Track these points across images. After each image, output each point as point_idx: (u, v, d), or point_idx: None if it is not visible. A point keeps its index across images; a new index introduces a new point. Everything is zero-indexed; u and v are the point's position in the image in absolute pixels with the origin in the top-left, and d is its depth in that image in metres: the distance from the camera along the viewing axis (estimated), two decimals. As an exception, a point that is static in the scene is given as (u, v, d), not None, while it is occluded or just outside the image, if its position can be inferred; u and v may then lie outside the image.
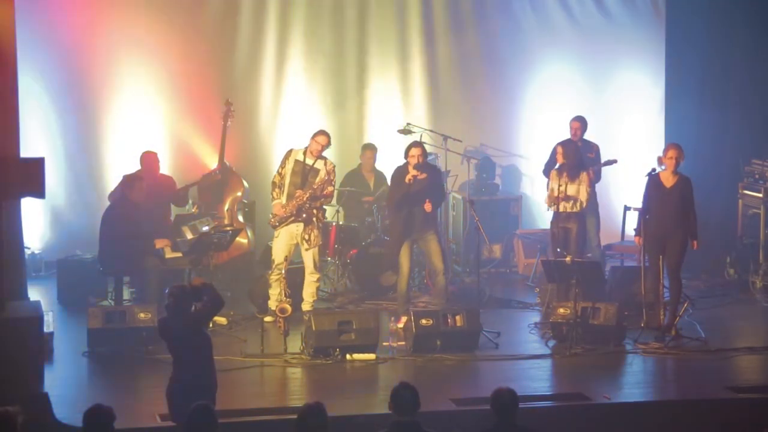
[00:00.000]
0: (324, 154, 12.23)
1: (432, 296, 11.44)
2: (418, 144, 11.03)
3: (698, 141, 13.32)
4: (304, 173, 10.99)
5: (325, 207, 11.40)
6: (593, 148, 12.36)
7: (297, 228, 10.99)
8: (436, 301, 11.03)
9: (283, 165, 11.09)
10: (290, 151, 11.16)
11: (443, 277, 10.96)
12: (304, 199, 10.88)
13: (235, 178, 12.59)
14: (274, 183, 11.16)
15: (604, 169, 12.54)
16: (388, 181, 12.93)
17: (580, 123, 12.39)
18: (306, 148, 11.05)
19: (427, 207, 10.66)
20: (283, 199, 11.01)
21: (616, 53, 14.22)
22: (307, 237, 11.01)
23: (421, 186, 10.72)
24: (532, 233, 13.39)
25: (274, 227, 11.08)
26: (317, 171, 11.00)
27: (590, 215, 11.80)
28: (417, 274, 12.27)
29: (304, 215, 10.94)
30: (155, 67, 13.28)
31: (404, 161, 10.90)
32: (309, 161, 11.00)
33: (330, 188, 11.06)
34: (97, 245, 11.18)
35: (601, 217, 12.32)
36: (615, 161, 12.27)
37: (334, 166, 11.23)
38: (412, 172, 10.66)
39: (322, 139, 10.98)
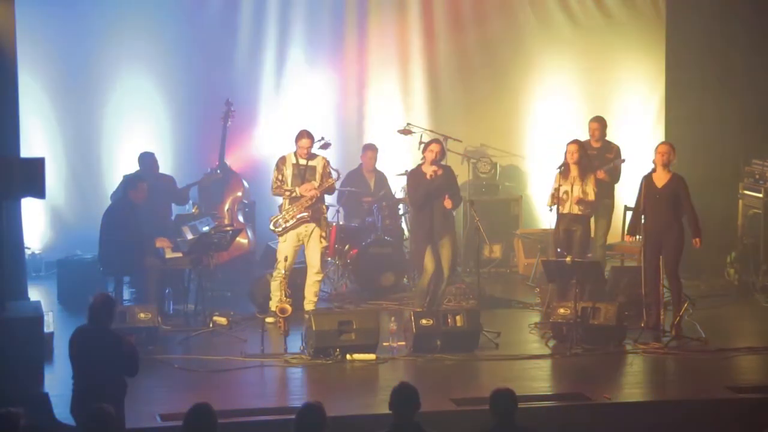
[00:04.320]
0: (325, 154, 12.24)
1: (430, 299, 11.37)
2: (437, 141, 11.07)
3: (698, 141, 13.33)
4: (302, 174, 11.07)
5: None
6: (613, 149, 12.19)
7: (306, 228, 11.02)
8: (433, 304, 10.95)
9: (280, 171, 11.12)
10: (283, 157, 11.22)
11: (445, 283, 10.95)
12: (318, 192, 11.00)
13: (235, 178, 12.60)
14: (276, 187, 11.14)
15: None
16: (389, 182, 12.98)
17: (598, 123, 12.24)
18: (295, 152, 11.11)
19: (447, 204, 10.69)
20: (287, 204, 11.07)
21: (616, 53, 14.24)
22: (324, 234, 11.15)
23: (439, 183, 10.75)
24: (533, 233, 13.39)
25: (280, 233, 11.06)
26: (314, 168, 11.12)
27: (602, 216, 11.75)
28: (417, 275, 12.24)
29: (310, 212, 10.98)
30: (155, 67, 13.30)
31: (416, 164, 10.96)
32: (303, 162, 11.09)
33: (331, 179, 11.17)
34: (97, 245, 11.17)
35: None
36: (623, 160, 12.21)
37: (327, 159, 11.34)
38: (433, 167, 10.71)
39: (305, 142, 11.07)
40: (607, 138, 12.23)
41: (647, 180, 10.62)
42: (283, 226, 11.02)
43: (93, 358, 7.51)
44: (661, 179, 10.59)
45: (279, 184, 11.13)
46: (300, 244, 11.10)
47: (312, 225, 11.05)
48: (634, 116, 14.19)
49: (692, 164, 12.35)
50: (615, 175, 12.05)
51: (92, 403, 6.84)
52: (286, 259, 10.91)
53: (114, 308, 7.79)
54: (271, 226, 11.15)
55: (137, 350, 7.72)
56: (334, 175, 11.22)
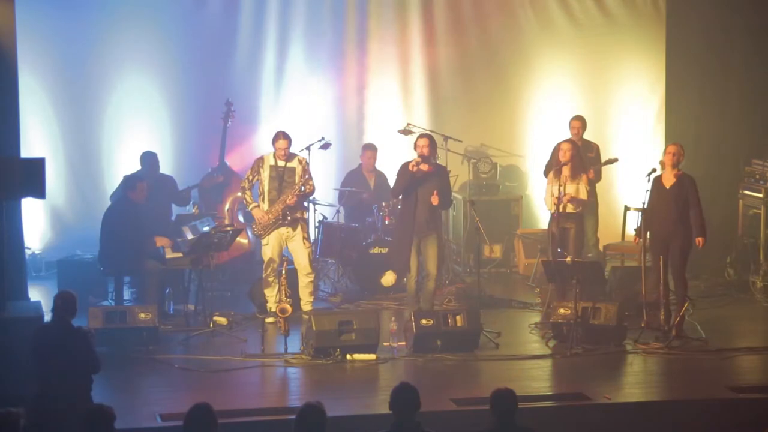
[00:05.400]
0: (325, 153, 12.25)
1: (421, 300, 11.28)
2: (426, 136, 11.04)
3: (698, 141, 13.35)
4: (280, 176, 11.03)
5: (305, 204, 11.51)
6: (593, 148, 12.39)
7: (287, 230, 11.01)
8: (423, 305, 10.86)
9: (256, 172, 11.09)
10: (261, 157, 11.19)
11: (433, 282, 10.86)
12: (290, 202, 10.92)
13: (235, 179, 12.60)
14: (243, 188, 11.19)
15: (604, 168, 12.56)
16: (389, 181, 12.96)
17: (580, 122, 12.42)
18: (273, 153, 11.08)
19: (434, 200, 10.62)
20: (265, 206, 11.05)
21: (616, 53, 14.23)
22: (305, 236, 11.07)
23: (427, 179, 10.70)
24: (533, 233, 13.38)
25: (260, 236, 11.09)
26: (293, 169, 11.06)
27: (589, 215, 11.80)
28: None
29: (288, 218, 10.96)
30: (155, 66, 13.29)
31: (408, 159, 10.93)
32: (281, 163, 11.04)
33: (311, 182, 11.10)
34: (97, 245, 11.18)
35: (600, 217, 12.34)
36: (616, 160, 12.27)
37: (306, 159, 11.32)
38: (416, 159, 10.67)
39: (282, 143, 10.99)
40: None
41: (656, 181, 10.63)
42: (261, 231, 11.03)
43: (59, 354, 7.58)
44: (668, 180, 10.58)
45: (246, 185, 11.13)
46: (283, 244, 11.08)
47: (291, 227, 11.02)
48: (635, 116, 14.19)
49: (692, 164, 12.32)
50: (598, 174, 12.15)
51: (59, 400, 6.90)
52: (272, 261, 10.94)
53: (76, 305, 7.89)
54: (254, 233, 11.17)
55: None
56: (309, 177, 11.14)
